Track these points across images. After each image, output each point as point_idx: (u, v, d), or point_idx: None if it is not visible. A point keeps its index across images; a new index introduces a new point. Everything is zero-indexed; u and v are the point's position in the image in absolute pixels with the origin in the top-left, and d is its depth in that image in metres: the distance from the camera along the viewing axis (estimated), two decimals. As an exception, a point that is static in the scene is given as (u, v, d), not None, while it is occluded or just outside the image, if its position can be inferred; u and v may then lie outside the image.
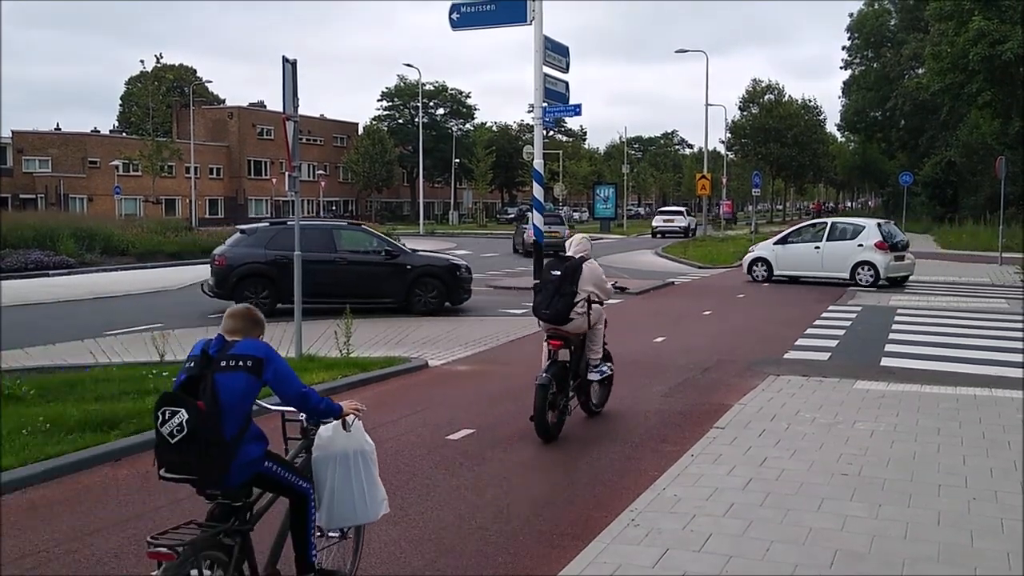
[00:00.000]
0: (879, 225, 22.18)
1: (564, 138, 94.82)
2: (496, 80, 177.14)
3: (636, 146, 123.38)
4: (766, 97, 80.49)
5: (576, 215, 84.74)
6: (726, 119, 73.53)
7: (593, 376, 8.12)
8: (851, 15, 72.36)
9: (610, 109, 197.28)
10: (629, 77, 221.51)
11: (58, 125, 67.52)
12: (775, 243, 23.38)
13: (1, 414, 7.41)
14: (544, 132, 14.57)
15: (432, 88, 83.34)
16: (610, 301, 8.34)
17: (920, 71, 56.55)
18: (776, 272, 22.66)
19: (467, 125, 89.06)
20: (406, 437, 7.59)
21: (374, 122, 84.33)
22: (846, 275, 21.44)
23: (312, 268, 13.65)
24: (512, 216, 72.50)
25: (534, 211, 14.25)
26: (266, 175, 73.05)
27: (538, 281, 8.47)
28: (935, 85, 42.69)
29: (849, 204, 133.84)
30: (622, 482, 6.42)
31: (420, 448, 7.28)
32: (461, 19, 13.84)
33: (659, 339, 13.29)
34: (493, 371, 10.85)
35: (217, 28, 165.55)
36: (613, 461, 6.99)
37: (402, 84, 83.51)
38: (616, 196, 63.48)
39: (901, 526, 5.20)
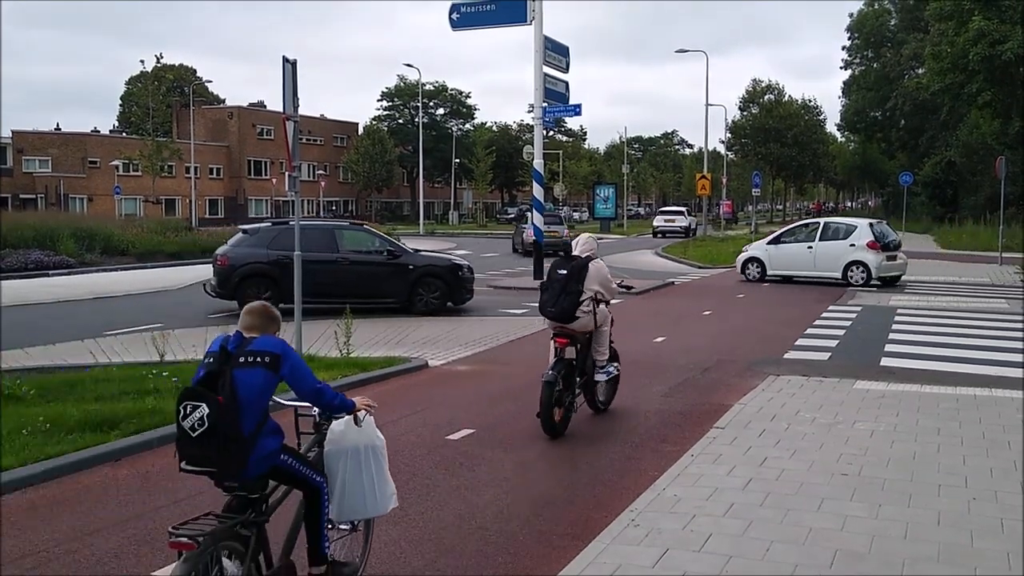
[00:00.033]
0: (871, 225, 22.22)
1: (564, 138, 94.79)
2: (496, 80, 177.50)
3: (636, 146, 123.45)
4: (766, 97, 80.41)
5: (576, 215, 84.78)
6: (726, 119, 73.77)
7: (599, 377, 8.18)
8: (851, 15, 72.61)
9: (610, 109, 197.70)
10: (629, 77, 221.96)
11: (58, 125, 67.69)
12: (768, 243, 23.40)
13: (1, 414, 7.41)
14: (544, 132, 14.60)
15: (432, 88, 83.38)
16: (613, 301, 8.35)
17: (920, 71, 56.58)
18: (769, 272, 22.67)
19: (467, 125, 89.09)
20: (406, 437, 7.58)
21: (374, 122, 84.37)
22: (838, 275, 21.45)
23: (314, 268, 13.65)
24: (512, 216, 72.54)
25: (534, 211, 14.26)
26: (266, 175, 73.07)
27: (542, 280, 8.50)
28: (935, 85, 42.70)
29: (849, 204, 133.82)
30: (622, 482, 6.42)
31: (420, 448, 7.28)
32: (461, 19, 13.88)
33: (659, 339, 13.29)
34: (493, 371, 10.84)
35: (217, 28, 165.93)
36: (613, 461, 6.99)
37: (402, 84, 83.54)
38: (616, 196, 63.48)
39: (901, 526, 5.20)
